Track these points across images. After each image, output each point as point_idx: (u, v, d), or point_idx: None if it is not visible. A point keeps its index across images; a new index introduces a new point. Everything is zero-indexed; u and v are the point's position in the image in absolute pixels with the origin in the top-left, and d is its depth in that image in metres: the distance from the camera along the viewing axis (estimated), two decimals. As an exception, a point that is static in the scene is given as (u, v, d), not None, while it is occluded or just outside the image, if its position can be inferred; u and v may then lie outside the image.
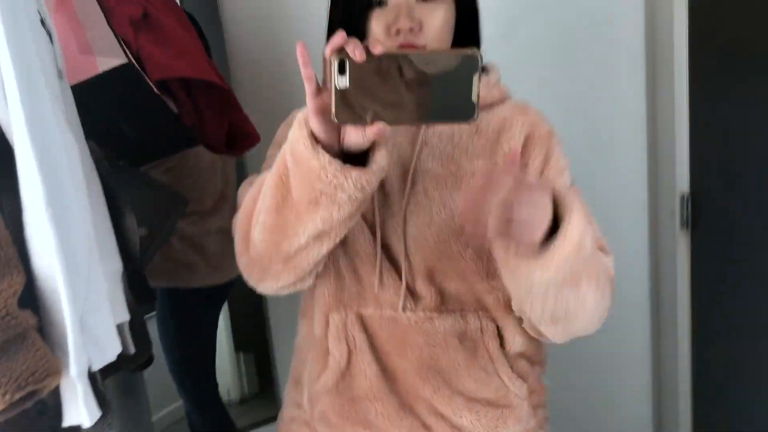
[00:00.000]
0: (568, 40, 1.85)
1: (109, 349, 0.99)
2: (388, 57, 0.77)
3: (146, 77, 1.41)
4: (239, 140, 1.59)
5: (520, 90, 1.10)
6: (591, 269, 0.89)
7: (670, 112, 1.81)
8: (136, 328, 1.20)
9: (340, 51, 0.75)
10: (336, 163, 0.81)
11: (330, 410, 1.07)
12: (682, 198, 1.82)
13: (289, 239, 0.89)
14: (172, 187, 1.82)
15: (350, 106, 0.77)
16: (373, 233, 1.03)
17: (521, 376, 1.08)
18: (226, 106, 1.55)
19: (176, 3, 1.65)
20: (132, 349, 1.16)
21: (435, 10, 0.97)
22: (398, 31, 0.94)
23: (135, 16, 1.42)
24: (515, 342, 1.06)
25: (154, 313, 2.19)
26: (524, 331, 1.05)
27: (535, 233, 0.79)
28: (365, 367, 1.05)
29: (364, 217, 1.03)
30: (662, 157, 1.88)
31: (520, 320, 1.04)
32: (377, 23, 0.96)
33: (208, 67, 1.50)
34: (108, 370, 1.07)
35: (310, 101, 0.79)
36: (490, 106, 1.05)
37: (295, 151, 0.82)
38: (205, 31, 1.98)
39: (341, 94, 0.76)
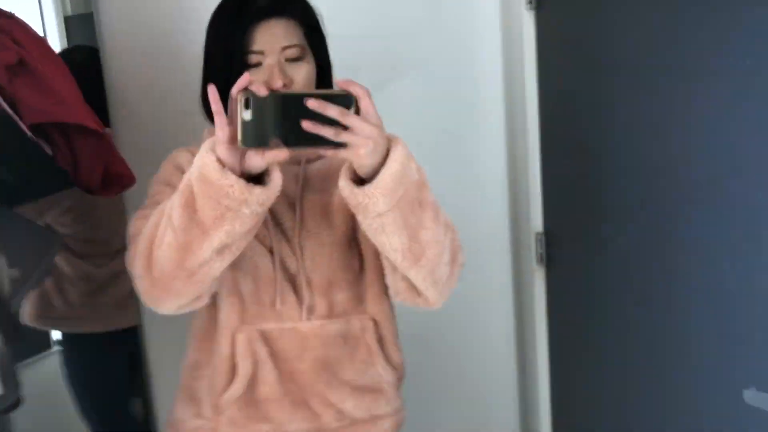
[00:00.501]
0: (434, 90, 2.02)
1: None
2: (284, 95, 0.95)
3: (20, 121, 1.43)
4: (114, 182, 1.62)
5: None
6: (426, 201, 1.06)
7: (525, 158, 1.99)
8: (4, 370, 1.21)
9: (245, 89, 0.92)
10: (242, 182, 0.95)
11: (237, 414, 1.22)
12: (537, 236, 1.99)
13: (194, 254, 1.00)
14: (67, 228, 1.83)
15: (253, 135, 0.93)
16: (273, 260, 1.18)
17: (394, 366, 1.29)
18: (101, 149, 1.58)
19: (53, 50, 1.67)
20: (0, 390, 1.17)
21: (301, 67, 1.16)
22: None
23: (10, 62, 1.45)
24: (389, 335, 1.27)
25: (54, 350, 2.13)
26: (395, 327, 1.28)
27: (373, 156, 0.97)
28: (267, 374, 1.20)
29: (264, 245, 1.19)
30: (520, 199, 2.06)
31: (391, 308, 1.27)
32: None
33: (83, 112, 1.53)
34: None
35: (219, 131, 0.94)
36: None
37: (205, 174, 0.95)
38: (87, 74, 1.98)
39: (246, 124, 0.92)
